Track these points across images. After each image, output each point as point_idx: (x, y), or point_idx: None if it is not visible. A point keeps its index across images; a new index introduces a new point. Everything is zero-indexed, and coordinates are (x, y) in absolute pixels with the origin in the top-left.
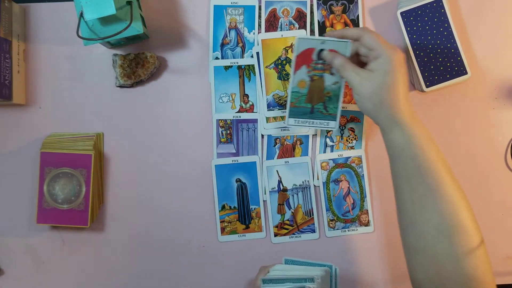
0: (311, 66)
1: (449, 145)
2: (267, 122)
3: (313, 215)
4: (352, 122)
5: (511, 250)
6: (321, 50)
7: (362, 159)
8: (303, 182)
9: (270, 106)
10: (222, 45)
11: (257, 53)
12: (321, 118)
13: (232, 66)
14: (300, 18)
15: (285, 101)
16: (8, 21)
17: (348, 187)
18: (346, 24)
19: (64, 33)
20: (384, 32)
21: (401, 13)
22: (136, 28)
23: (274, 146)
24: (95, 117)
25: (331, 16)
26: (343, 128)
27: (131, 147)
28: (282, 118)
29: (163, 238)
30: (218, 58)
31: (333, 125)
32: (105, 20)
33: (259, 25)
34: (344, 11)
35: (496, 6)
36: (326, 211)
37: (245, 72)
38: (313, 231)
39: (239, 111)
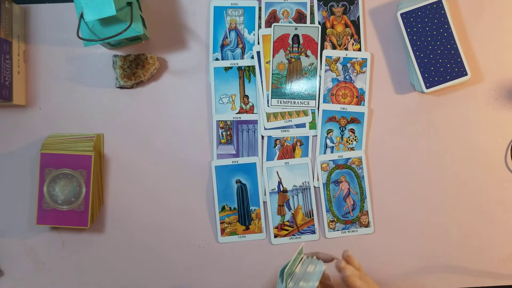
0: (288, 49)
1: (449, 146)
2: (267, 120)
3: (313, 216)
4: (352, 123)
5: (511, 251)
6: (295, 35)
7: (362, 160)
8: (303, 183)
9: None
10: (222, 46)
11: (258, 52)
12: (301, 97)
13: (232, 67)
14: (300, 19)
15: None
16: (9, 22)
17: (348, 188)
18: (346, 25)
19: (64, 34)
20: (384, 33)
21: (401, 14)
22: (136, 29)
23: (274, 147)
24: (95, 118)
25: (332, 17)
26: (344, 129)
27: (131, 148)
28: (283, 115)
29: (163, 239)
30: (218, 59)
31: (313, 104)
32: (105, 21)
33: (259, 26)
34: (344, 12)
35: (495, 8)
36: (326, 212)
37: (245, 73)
38: (313, 232)
39: (239, 112)
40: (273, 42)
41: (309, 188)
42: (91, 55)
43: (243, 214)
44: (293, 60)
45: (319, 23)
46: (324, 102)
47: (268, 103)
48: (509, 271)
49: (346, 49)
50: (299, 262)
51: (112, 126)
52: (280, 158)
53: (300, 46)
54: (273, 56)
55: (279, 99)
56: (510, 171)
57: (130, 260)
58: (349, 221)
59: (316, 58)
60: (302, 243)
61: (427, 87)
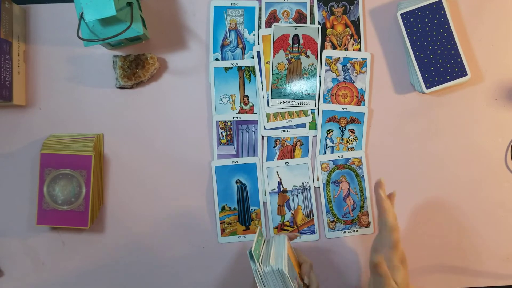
0: (288, 49)
1: (450, 147)
2: (267, 120)
3: (313, 216)
4: (352, 124)
5: (511, 251)
6: (295, 35)
7: (362, 160)
8: (303, 183)
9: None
10: (222, 46)
11: (258, 52)
12: (301, 98)
13: (232, 67)
14: (300, 19)
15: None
16: (9, 22)
17: (348, 188)
18: (346, 26)
19: (64, 34)
20: (385, 33)
21: (401, 15)
22: (136, 29)
23: (274, 147)
24: (95, 118)
25: (332, 17)
26: (344, 129)
27: (131, 148)
28: (283, 116)
29: (163, 239)
30: (218, 59)
31: (313, 104)
32: (106, 21)
33: (259, 26)
34: (344, 12)
35: (496, 8)
36: (326, 212)
37: (245, 73)
38: (313, 232)
39: (239, 112)
40: (273, 42)
41: (309, 188)
42: (91, 55)
43: (243, 214)
44: (293, 60)
45: (319, 23)
46: (324, 102)
47: (268, 103)
48: (509, 271)
49: (346, 49)
50: (263, 244)
51: (112, 126)
52: (280, 158)
53: (300, 46)
54: (273, 56)
55: (279, 99)
56: (510, 171)
57: (130, 260)
58: (349, 221)
59: (316, 58)
60: (259, 226)
61: (427, 87)
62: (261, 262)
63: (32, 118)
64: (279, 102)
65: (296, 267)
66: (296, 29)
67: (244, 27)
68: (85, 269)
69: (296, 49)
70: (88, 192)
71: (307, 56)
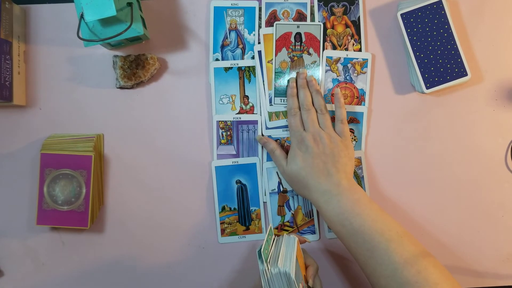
0: (290, 48)
1: (450, 147)
2: (270, 119)
3: (313, 216)
4: (351, 123)
5: (511, 251)
6: (298, 33)
7: (362, 160)
8: None
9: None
10: (222, 46)
11: (259, 51)
12: None
13: (232, 67)
14: (300, 20)
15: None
16: (9, 22)
17: None
18: (347, 26)
19: (64, 34)
20: (385, 33)
21: (402, 15)
22: (137, 29)
23: None
24: (95, 118)
25: (332, 17)
26: None
27: (131, 148)
28: (284, 114)
29: (163, 240)
30: (218, 60)
31: None
32: (106, 22)
33: (260, 26)
34: (345, 13)
35: (496, 8)
36: None
37: (245, 74)
38: (313, 232)
39: (239, 113)
40: (276, 41)
41: None
42: (91, 56)
43: (243, 215)
44: (295, 58)
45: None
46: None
47: (271, 102)
48: (509, 271)
49: (346, 49)
50: (272, 242)
51: (112, 127)
52: None
53: (302, 44)
54: (276, 55)
55: (282, 97)
56: (510, 171)
57: (130, 260)
58: None
59: (319, 56)
60: (270, 224)
61: (427, 88)
62: (269, 262)
63: (32, 118)
64: (282, 101)
65: (303, 270)
66: (298, 27)
67: (244, 27)
68: (85, 269)
69: (299, 47)
70: (88, 192)
71: (309, 54)
